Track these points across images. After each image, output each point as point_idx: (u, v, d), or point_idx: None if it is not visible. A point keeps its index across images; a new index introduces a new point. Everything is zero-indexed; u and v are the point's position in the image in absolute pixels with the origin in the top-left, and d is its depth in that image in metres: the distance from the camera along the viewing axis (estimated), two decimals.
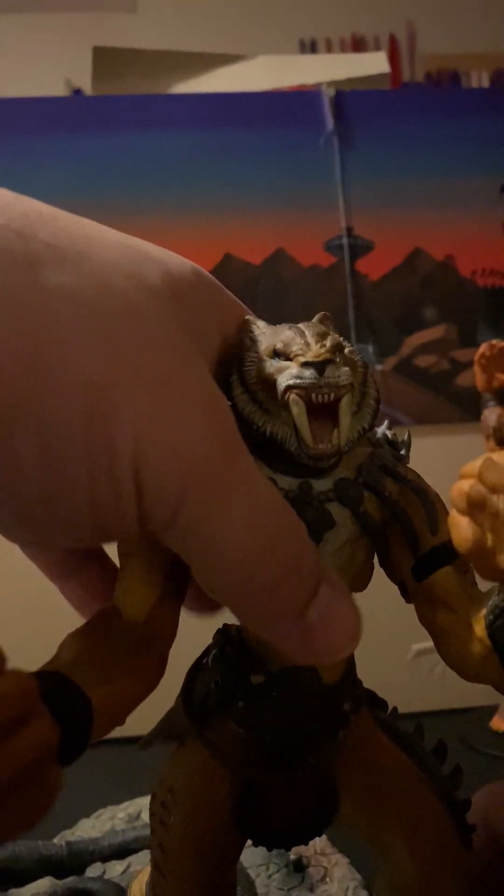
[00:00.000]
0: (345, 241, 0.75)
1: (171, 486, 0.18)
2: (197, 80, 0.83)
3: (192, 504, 0.19)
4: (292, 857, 0.40)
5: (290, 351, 0.22)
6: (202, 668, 0.26)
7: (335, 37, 1.20)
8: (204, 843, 0.25)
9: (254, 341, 0.23)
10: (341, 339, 0.23)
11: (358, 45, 1.23)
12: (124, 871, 0.41)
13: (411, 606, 0.25)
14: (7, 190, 0.19)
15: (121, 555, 0.23)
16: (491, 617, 0.22)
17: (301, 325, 0.23)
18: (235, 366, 0.23)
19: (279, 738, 0.24)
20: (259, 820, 0.26)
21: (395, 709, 0.29)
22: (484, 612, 0.22)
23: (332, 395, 0.21)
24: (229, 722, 0.25)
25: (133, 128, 0.75)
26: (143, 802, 0.48)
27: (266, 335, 0.23)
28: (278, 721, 0.24)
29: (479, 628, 0.22)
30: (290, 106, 0.77)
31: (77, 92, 0.88)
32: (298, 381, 0.21)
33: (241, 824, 0.26)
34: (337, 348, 0.22)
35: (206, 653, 0.27)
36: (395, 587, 0.26)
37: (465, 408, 0.73)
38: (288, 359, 0.22)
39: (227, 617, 0.26)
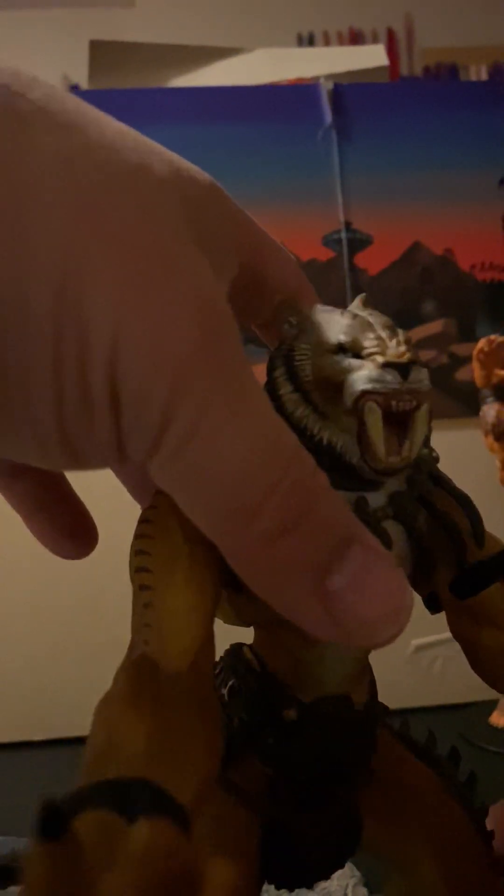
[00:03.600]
0: (343, 235, 0.75)
1: (157, 399, 0.15)
2: (194, 73, 0.83)
3: (181, 423, 0.15)
4: None
5: (362, 347, 0.18)
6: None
7: (333, 31, 1.20)
8: None
9: (300, 330, 0.20)
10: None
11: (356, 38, 1.22)
12: None
13: None
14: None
15: (145, 580, 0.18)
16: None
17: (362, 314, 0.19)
18: (281, 359, 0.19)
19: (312, 774, 0.21)
20: (284, 863, 0.23)
21: (385, 707, 0.28)
22: None
23: (414, 403, 0.18)
24: (254, 761, 0.22)
25: (130, 122, 0.74)
26: None
27: (317, 324, 0.19)
28: (312, 757, 0.21)
29: None
30: (288, 99, 0.77)
31: (74, 87, 0.88)
32: (379, 385, 0.17)
33: (264, 868, 0.23)
34: (411, 344, 0.18)
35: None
36: None
37: (465, 402, 0.73)
38: (357, 356, 0.18)
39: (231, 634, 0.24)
